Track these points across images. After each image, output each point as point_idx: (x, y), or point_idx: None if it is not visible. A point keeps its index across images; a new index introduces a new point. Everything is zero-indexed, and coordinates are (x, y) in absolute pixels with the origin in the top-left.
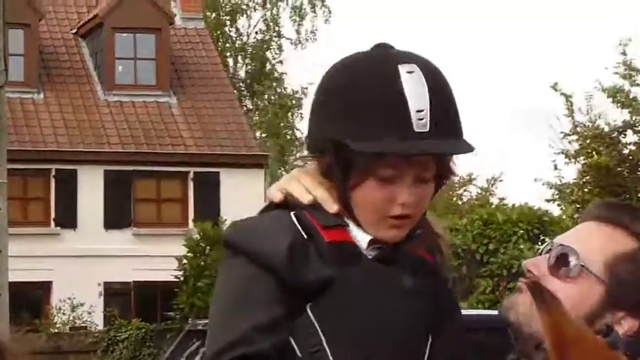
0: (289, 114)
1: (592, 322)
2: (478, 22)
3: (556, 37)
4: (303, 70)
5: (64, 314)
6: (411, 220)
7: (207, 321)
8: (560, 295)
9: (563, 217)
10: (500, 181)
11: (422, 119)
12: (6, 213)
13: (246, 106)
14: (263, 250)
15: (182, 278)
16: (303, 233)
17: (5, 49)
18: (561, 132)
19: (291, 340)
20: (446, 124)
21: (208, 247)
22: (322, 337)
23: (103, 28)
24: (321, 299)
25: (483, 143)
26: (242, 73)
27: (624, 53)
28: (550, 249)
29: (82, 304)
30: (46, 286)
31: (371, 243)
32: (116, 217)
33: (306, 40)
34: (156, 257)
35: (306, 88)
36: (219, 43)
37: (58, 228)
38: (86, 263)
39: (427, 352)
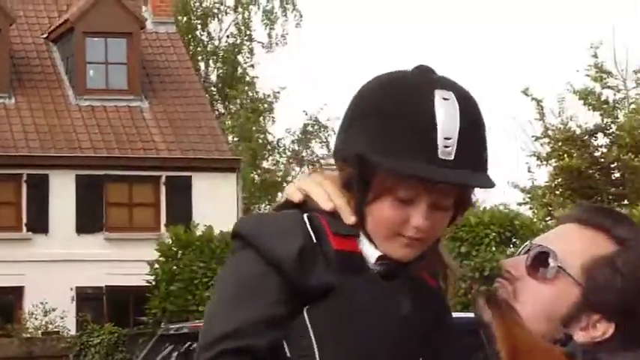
0: (261, 118)
1: (567, 324)
2: (448, 26)
3: (528, 41)
4: (274, 74)
5: (36, 319)
6: (423, 243)
7: (179, 325)
8: (537, 296)
9: (535, 219)
10: None
11: (448, 147)
12: None
13: (218, 110)
14: (274, 249)
15: (154, 283)
16: (313, 237)
17: None
18: (532, 135)
19: (283, 340)
20: (471, 155)
21: (180, 252)
22: (313, 342)
23: (74, 32)
24: (319, 305)
25: None
26: (214, 77)
27: (595, 56)
28: (529, 249)
29: (54, 309)
30: (17, 291)
31: (379, 259)
32: (88, 221)
33: (277, 44)
34: (128, 262)
35: (278, 92)
36: (191, 47)
37: (30, 233)
38: (58, 268)
39: None
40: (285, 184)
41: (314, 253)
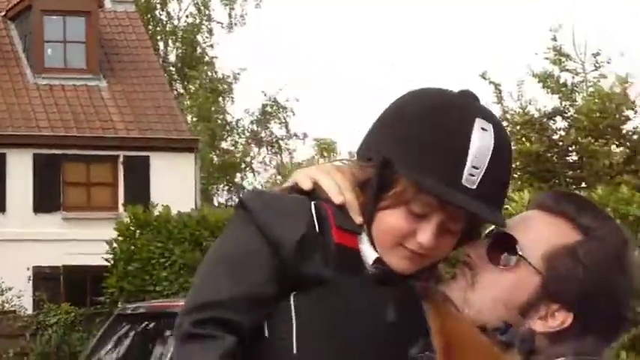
0: (220, 98)
1: (525, 313)
2: (407, 6)
3: (486, 23)
4: (234, 54)
5: None
6: (423, 260)
7: (136, 305)
8: (495, 283)
9: None
10: None
11: (473, 176)
12: None
13: (176, 90)
14: (277, 231)
15: (112, 262)
16: (316, 226)
17: None
18: None
19: (265, 320)
20: (492, 191)
21: (138, 231)
22: (294, 329)
23: (32, 10)
24: (308, 294)
25: None
26: (173, 57)
27: (554, 39)
28: (491, 235)
29: (10, 289)
30: None
31: (376, 261)
32: (46, 200)
33: (236, 24)
34: (85, 241)
35: (238, 73)
36: (150, 27)
37: None
38: (15, 247)
39: None
40: (243, 165)
41: (315, 242)
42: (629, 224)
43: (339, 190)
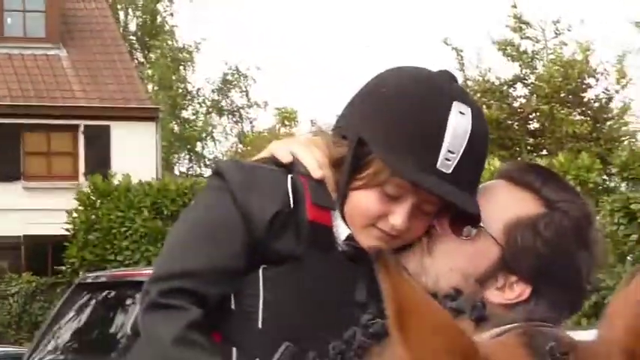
0: (181, 67)
1: (483, 283)
2: None
3: None
4: (195, 22)
5: None
6: (395, 241)
7: (97, 274)
8: (454, 252)
9: None
10: None
11: (449, 161)
12: None
13: (137, 59)
14: (251, 205)
15: (72, 232)
16: (291, 201)
17: None
18: None
19: (232, 292)
20: (467, 175)
21: (99, 201)
22: (260, 302)
23: None
24: (277, 269)
25: None
26: (133, 26)
27: (515, 6)
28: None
29: None
30: None
31: (348, 238)
32: (6, 170)
33: None
34: (46, 211)
35: (200, 43)
36: None
37: None
38: None
39: None
40: (204, 134)
41: (288, 219)
42: (590, 191)
43: (318, 165)
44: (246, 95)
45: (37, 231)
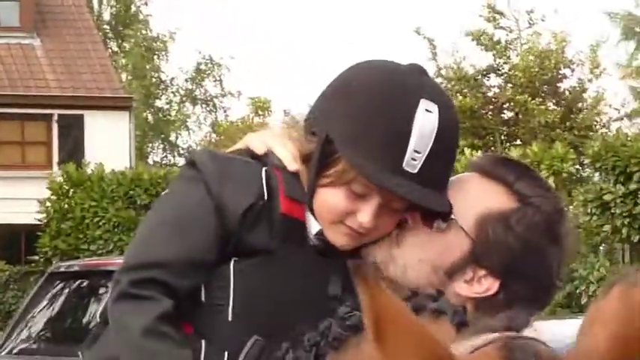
0: (155, 57)
1: (452, 275)
2: None
3: None
4: (169, 12)
5: None
6: (363, 237)
7: (70, 263)
8: (424, 244)
9: None
10: None
11: (415, 160)
12: None
13: (111, 48)
14: (224, 197)
15: (45, 221)
16: (265, 194)
17: None
18: None
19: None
20: (435, 175)
21: (72, 190)
22: (230, 294)
23: None
24: (249, 261)
25: None
26: (107, 16)
27: None
28: None
29: None
30: None
31: (319, 233)
32: None
33: None
34: (19, 200)
35: (174, 33)
36: None
37: None
38: None
39: None
40: (178, 124)
41: (261, 212)
42: (564, 181)
43: (292, 158)
44: (220, 84)
45: (10, 220)
